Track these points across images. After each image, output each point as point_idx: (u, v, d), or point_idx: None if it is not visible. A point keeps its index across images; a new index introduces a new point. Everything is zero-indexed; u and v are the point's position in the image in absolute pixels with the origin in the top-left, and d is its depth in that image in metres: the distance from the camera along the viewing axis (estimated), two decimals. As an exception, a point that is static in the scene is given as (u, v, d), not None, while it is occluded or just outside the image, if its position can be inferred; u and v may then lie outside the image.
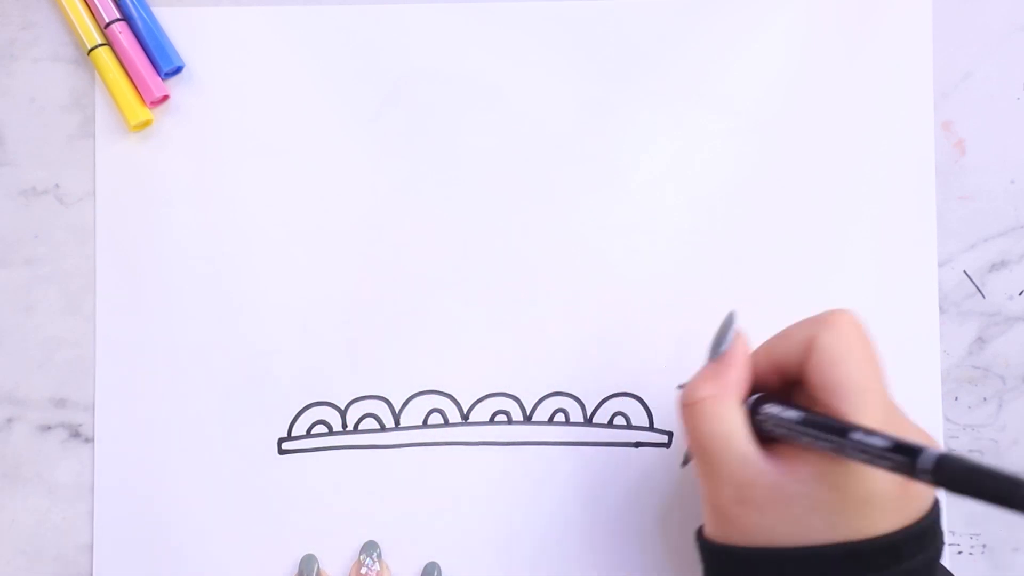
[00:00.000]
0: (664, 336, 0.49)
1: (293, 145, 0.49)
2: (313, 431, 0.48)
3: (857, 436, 0.34)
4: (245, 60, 0.49)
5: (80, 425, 0.48)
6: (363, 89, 0.49)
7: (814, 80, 0.49)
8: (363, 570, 0.47)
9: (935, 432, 0.48)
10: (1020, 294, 0.49)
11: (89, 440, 0.48)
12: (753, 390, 0.40)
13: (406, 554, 0.48)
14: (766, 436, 0.38)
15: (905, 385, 0.48)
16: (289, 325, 0.49)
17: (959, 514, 0.48)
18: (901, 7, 0.49)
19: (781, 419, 0.38)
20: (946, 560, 0.48)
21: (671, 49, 0.49)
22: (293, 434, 0.48)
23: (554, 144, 0.49)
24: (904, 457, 0.33)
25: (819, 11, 0.49)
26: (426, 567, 0.47)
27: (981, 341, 0.49)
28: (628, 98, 0.49)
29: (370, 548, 0.47)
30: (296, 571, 0.48)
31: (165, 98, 0.49)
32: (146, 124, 0.49)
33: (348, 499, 0.48)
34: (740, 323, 0.40)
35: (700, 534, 0.40)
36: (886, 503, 0.36)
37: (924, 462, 0.32)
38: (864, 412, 0.36)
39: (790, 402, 0.38)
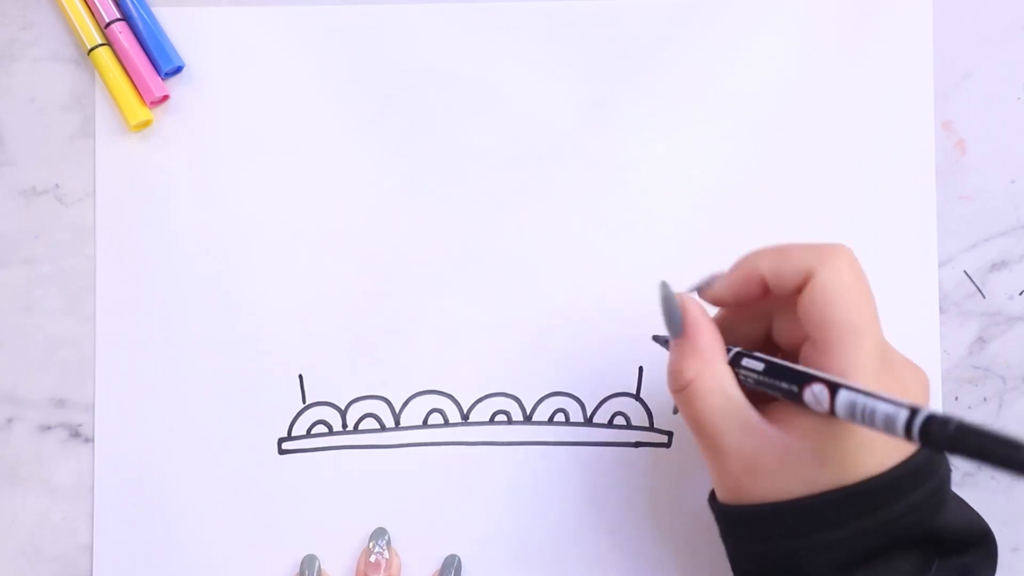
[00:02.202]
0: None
1: (293, 145, 0.49)
2: (313, 431, 0.48)
3: (851, 396, 0.35)
4: (245, 60, 0.49)
5: (80, 425, 0.48)
6: (364, 89, 0.49)
7: (815, 80, 0.49)
8: (372, 557, 0.47)
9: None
10: (1020, 294, 0.49)
11: (89, 440, 0.48)
12: (730, 301, 0.40)
13: (407, 554, 0.48)
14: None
15: (905, 385, 0.48)
16: (289, 325, 0.49)
17: (959, 514, 0.48)
18: (902, 7, 0.49)
19: (760, 380, 0.38)
20: (946, 560, 0.48)
21: (672, 49, 0.49)
22: (293, 434, 0.48)
23: (555, 144, 0.49)
24: (887, 420, 0.33)
25: (820, 12, 0.49)
26: (447, 559, 0.48)
27: (981, 341, 0.49)
28: (628, 99, 0.49)
29: (379, 535, 0.47)
30: (297, 571, 0.48)
31: (165, 98, 0.49)
32: (146, 124, 0.49)
33: (348, 499, 0.48)
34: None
35: (713, 498, 0.40)
36: (886, 442, 0.36)
37: (910, 428, 0.32)
38: (858, 355, 0.36)
39: (764, 356, 0.38)
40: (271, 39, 0.49)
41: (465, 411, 0.48)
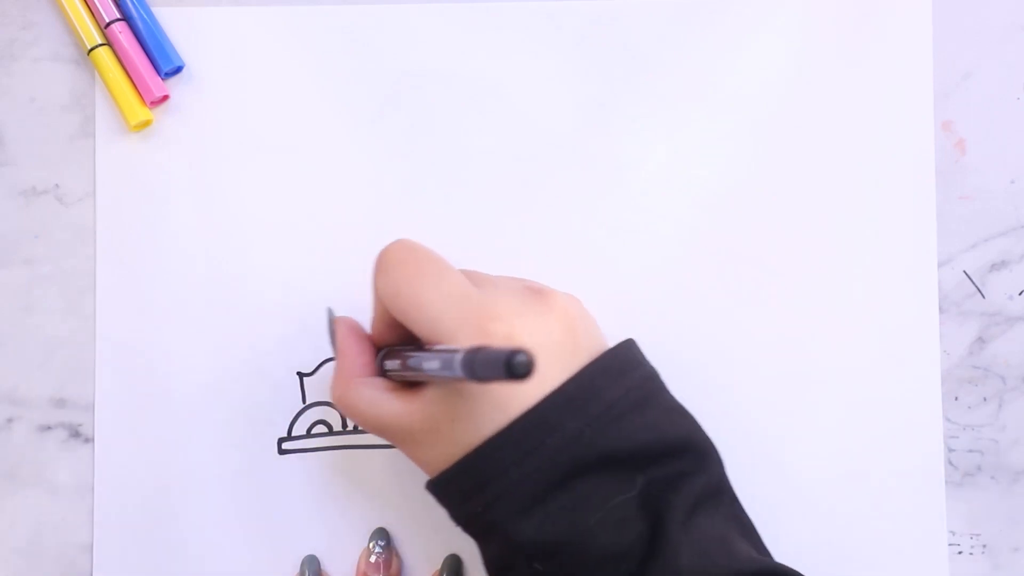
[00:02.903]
0: (665, 335, 0.49)
1: (294, 145, 0.49)
2: (313, 431, 0.48)
3: (413, 361, 0.38)
4: (245, 60, 0.49)
5: (80, 425, 0.48)
6: (364, 89, 0.49)
7: (815, 81, 0.49)
8: (372, 557, 0.47)
9: (935, 432, 0.48)
10: (1020, 294, 0.49)
11: (89, 440, 0.48)
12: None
13: (407, 554, 0.48)
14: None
15: (905, 385, 0.48)
16: (289, 325, 0.49)
17: (959, 514, 0.48)
18: (901, 7, 0.49)
19: (390, 369, 0.41)
20: (946, 560, 0.48)
21: (672, 49, 0.49)
22: (293, 434, 0.48)
23: (555, 144, 0.49)
24: (446, 368, 0.35)
25: (820, 12, 0.49)
26: (446, 559, 0.48)
27: (981, 341, 0.49)
28: (629, 99, 0.49)
29: (379, 535, 0.47)
30: (297, 571, 0.48)
31: (165, 98, 0.49)
32: (146, 124, 0.49)
33: (349, 499, 0.48)
34: (338, 311, 0.44)
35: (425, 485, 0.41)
36: (522, 389, 0.37)
37: (453, 371, 0.33)
38: (439, 324, 0.38)
39: (399, 348, 0.41)
40: (271, 39, 0.49)
41: (465, 411, 0.48)
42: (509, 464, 0.37)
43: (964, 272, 0.49)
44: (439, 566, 0.48)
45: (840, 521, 0.48)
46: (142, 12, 0.49)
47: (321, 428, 0.48)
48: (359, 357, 0.42)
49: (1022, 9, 0.50)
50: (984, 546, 0.48)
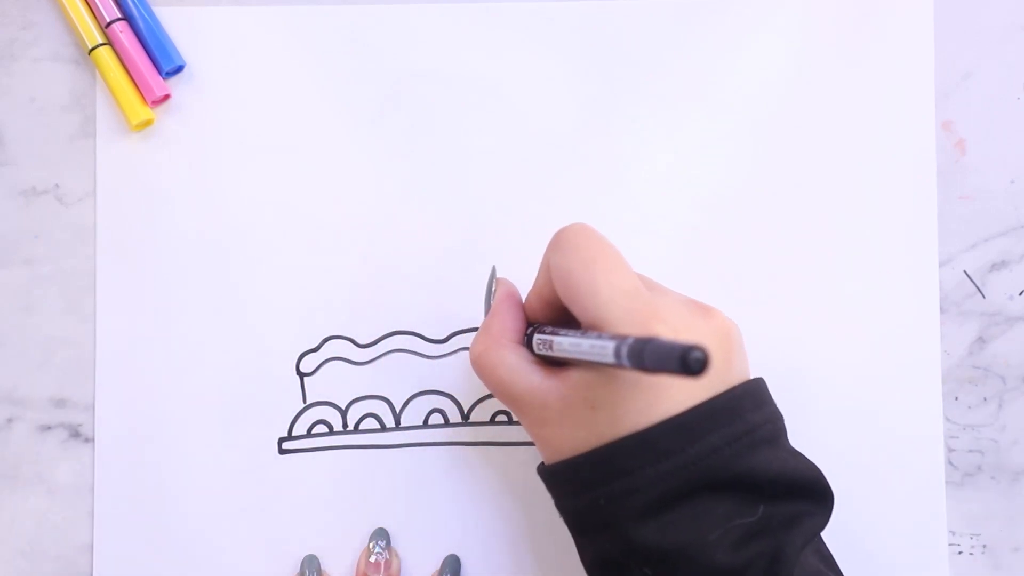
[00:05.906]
0: (664, 336, 0.49)
1: (294, 145, 0.49)
2: (313, 431, 0.48)
3: (569, 339, 0.37)
4: (246, 60, 0.49)
5: (80, 425, 0.48)
6: (364, 89, 0.49)
7: (815, 81, 0.49)
8: (373, 557, 0.47)
9: (935, 432, 0.48)
10: (1020, 294, 0.49)
11: (89, 440, 0.48)
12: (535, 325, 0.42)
13: (407, 554, 0.48)
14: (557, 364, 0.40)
15: (905, 385, 0.49)
16: (289, 325, 0.49)
17: (959, 514, 0.48)
18: (902, 7, 0.49)
19: (540, 342, 0.40)
20: (946, 560, 0.48)
21: (672, 49, 0.49)
22: (293, 434, 0.48)
23: (555, 144, 0.49)
24: (608, 350, 0.34)
25: (820, 12, 0.49)
26: (446, 559, 0.48)
27: (981, 341, 0.49)
28: (629, 99, 0.49)
29: (379, 535, 0.47)
30: (297, 571, 0.48)
31: (166, 97, 0.49)
32: (147, 123, 0.49)
33: (349, 499, 0.48)
34: (501, 272, 0.44)
35: (539, 468, 0.42)
36: (677, 388, 0.37)
37: (618, 355, 0.33)
38: (605, 311, 0.37)
39: (550, 327, 0.40)
40: (271, 39, 0.49)
41: (465, 411, 0.48)
42: (645, 463, 0.36)
43: (964, 272, 0.49)
44: (439, 566, 0.48)
45: (840, 521, 0.48)
46: (143, 11, 0.49)
47: (321, 428, 0.48)
48: (511, 321, 0.42)
49: (1022, 9, 0.50)
50: (984, 546, 0.48)
